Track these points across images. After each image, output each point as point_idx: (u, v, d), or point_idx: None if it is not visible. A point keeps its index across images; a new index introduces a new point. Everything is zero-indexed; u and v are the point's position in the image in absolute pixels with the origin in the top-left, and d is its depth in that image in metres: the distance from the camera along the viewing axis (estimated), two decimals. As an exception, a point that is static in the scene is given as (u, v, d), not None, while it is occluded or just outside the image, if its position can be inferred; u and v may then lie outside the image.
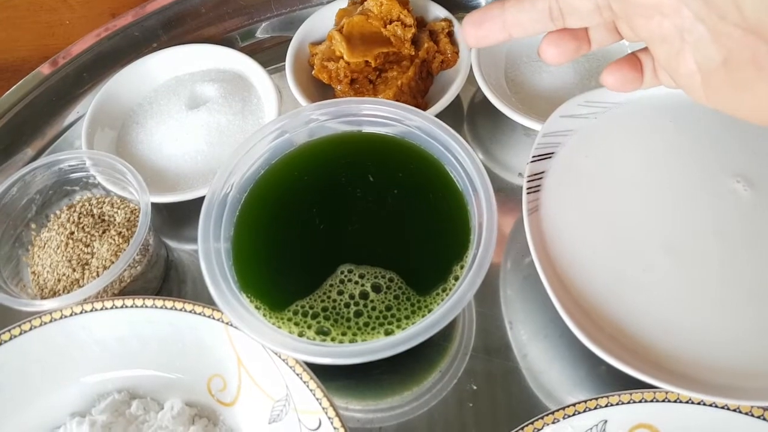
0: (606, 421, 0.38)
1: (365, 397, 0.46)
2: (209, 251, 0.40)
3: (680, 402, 0.37)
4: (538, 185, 0.44)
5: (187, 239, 0.54)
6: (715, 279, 0.40)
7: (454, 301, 0.37)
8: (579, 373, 0.45)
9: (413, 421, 0.45)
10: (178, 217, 0.55)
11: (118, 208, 0.49)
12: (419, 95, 0.56)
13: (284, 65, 0.56)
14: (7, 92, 0.56)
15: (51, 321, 0.43)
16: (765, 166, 0.44)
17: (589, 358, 0.46)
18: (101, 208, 0.50)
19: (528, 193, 0.43)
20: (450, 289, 0.40)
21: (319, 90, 0.58)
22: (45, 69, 0.58)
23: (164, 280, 0.51)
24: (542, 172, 0.44)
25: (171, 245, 0.53)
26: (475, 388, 0.45)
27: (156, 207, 0.50)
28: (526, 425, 0.37)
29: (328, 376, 0.40)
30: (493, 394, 0.45)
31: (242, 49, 0.59)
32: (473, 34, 0.32)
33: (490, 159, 0.56)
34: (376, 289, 0.41)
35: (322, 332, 0.40)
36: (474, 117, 0.59)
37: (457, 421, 0.44)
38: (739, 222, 0.42)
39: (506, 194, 0.53)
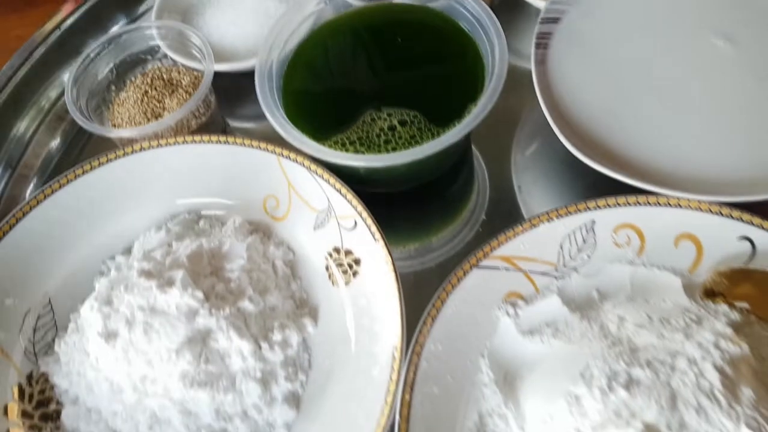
0: (594, 222, 0.45)
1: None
2: (267, 96, 0.49)
3: (659, 205, 0.44)
4: (546, 42, 0.51)
5: (240, 117, 0.63)
6: (693, 109, 0.48)
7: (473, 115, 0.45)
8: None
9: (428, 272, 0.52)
10: (231, 97, 0.63)
11: (184, 75, 0.58)
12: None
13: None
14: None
15: (132, 152, 0.51)
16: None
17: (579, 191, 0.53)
18: (170, 74, 0.58)
19: (536, 48, 0.50)
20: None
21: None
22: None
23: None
24: (549, 33, 0.52)
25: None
26: (484, 217, 0.53)
27: (213, 84, 0.58)
28: (525, 222, 0.44)
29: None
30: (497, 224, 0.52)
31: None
32: None
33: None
34: (402, 123, 0.49)
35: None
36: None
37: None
38: (715, 70, 0.49)
39: (519, 78, 0.56)
